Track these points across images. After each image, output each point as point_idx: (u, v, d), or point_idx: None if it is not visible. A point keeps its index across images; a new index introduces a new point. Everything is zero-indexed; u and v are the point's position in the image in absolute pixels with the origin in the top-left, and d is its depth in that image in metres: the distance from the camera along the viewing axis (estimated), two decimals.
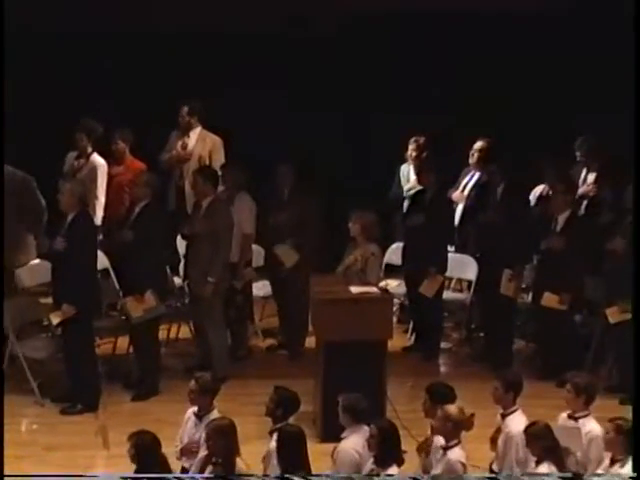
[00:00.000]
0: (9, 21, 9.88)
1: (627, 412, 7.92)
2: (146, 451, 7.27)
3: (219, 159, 10.91)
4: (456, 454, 7.50)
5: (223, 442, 7.37)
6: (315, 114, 11.57)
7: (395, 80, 11.57)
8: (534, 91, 11.50)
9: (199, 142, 10.98)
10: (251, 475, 7.29)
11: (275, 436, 7.54)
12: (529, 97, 11.48)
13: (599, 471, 7.53)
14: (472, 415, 7.62)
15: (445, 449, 7.55)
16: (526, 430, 7.51)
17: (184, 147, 10.97)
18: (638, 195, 9.27)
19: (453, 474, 7.45)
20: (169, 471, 7.40)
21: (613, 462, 7.43)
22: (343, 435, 7.76)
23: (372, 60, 11.53)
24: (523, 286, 10.63)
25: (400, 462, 7.42)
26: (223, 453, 7.36)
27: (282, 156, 10.47)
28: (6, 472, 8.11)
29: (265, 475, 7.35)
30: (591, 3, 10.19)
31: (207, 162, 10.79)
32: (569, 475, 7.35)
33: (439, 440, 7.65)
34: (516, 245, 10.16)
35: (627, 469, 7.39)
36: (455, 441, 7.54)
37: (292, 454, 7.35)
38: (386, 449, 7.39)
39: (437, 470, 7.53)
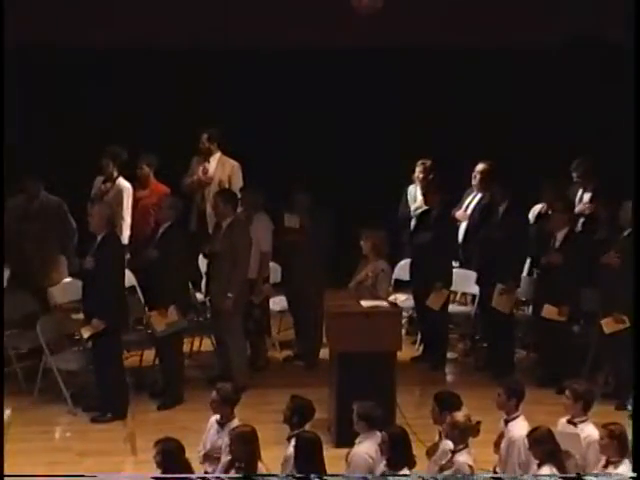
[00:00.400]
0: (37, 52, 9.87)
1: (622, 418, 7.97)
2: (171, 457, 7.24)
3: (238, 182, 10.93)
4: (464, 457, 7.50)
5: (246, 448, 7.37)
6: (330, 139, 11.58)
7: (405, 107, 11.60)
8: (533, 118, 11.51)
9: (219, 167, 11.00)
10: (272, 475, 7.31)
11: (293, 442, 7.54)
12: (528, 123, 11.49)
13: (594, 473, 7.55)
14: (478, 422, 7.62)
15: (453, 452, 7.55)
16: (529, 435, 7.50)
17: (205, 172, 10.99)
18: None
19: (463, 476, 7.44)
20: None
21: (607, 464, 7.45)
22: (357, 441, 7.74)
23: (384, 89, 11.55)
24: (523, 299, 10.66)
25: (412, 465, 7.41)
26: (245, 458, 7.36)
27: (298, 180, 10.46)
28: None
29: (287, 475, 7.36)
30: (584, 37, 10.23)
31: (227, 185, 10.81)
32: (572, 475, 7.35)
33: (447, 444, 7.65)
34: (511, 261, 10.19)
35: (621, 470, 7.41)
36: (463, 445, 7.54)
37: (309, 459, 7.34)
38: (398, 453, 7.37)
39: (445, 473, 7.48)
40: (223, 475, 7.39)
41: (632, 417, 7.63)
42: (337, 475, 7.33)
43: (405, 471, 7.35)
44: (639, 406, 7.61)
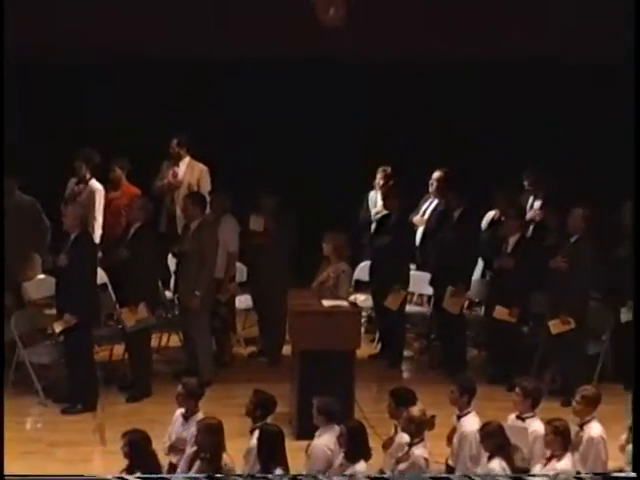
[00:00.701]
0: (10, 52, 9.80)
1: (567, 414, 8.02)
2: (138, 448, 7.26)
3: (206, 186, 10.91)
4: (420, 451, 7.54)
5: (211, 439, 7.38)
6: (296, 146, 11.58)
7: (367, 117, 11.64)
8: (487, 129, 11.59)
9: (188, 171, 10.97)
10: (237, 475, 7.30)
11: (256, 434, 7.54)
12: (483, 134, 11.56)
13: (538, 465, 7.63)
14: (433, 417, 7.68)
15: (410, 446, 7.58)
16: (481, 429, 7.55)
17: (175, 175, 10.96)
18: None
19: (418, 469, 7.48)
20: (158, 466, 7.37)
21: (551, 458, 7.54)
22: (317, 434, 7.77)
23: (348, 99, 11.58)
24: (476, 300, 10.73)
25: (367, 457, 7.45)
26: (211, 449, 7.36)
27: (265, 184, 10.48)
28: (12, 467, 8.14)
29: (249, 476, 7.35)
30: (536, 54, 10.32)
31: (195, 189, 10.78)
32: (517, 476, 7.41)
33: (403, 438, 7.69)
34: (463, 264, 10.25)
35: (563, 463, 7.50)
36: (419, 439, 7.59)
37: (272, 450, 7.35)
38: (355, 446, 7.41)
39: (403, 465, 7.54)
40: (199, 475, 7.37)
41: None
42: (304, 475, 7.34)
43: (362, 464, 7.38)
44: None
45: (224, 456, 7.42)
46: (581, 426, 7.84)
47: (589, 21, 10.14)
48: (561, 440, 7.49)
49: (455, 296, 10.21)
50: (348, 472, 7.39)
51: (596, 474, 7.51)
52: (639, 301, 9.06)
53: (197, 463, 7.44)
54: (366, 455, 7.45)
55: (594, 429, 7.81)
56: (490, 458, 7.48)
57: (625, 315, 9.85)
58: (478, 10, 10.23)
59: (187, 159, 11.00)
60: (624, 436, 7.91)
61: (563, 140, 11.57)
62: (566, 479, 7.31)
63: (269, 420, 7.75)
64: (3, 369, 9.11)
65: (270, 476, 7.22)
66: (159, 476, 7.27)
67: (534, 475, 7.45)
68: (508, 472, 7.42)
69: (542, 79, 11.18)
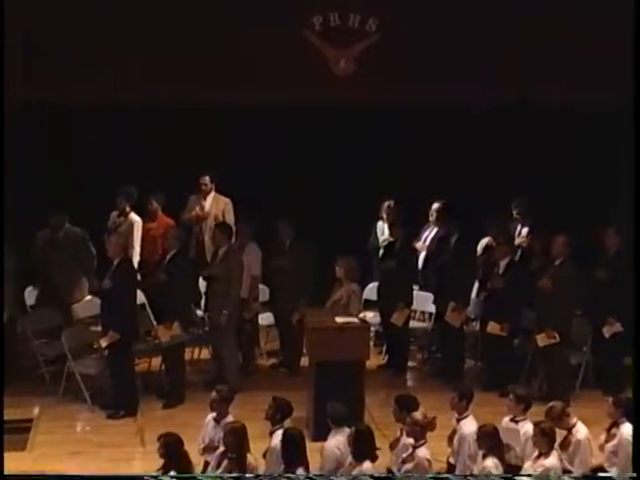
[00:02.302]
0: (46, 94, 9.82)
1: None
2: (172, 448, 7.28)
3: (230, 217, 10.90)
4: (423, 452, 7.53)
5: (236, 440, 7.40)
6: (311, 182, 11.57)
7: (377, 157, 11.66)
8: (480, 167, 11.59)
9: (214, 204, 10.97)
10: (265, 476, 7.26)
11: (278, 436, 7.53)
12: (476, 171, 11.56)
13: (529, 462, 7.61)
14: (434, 418, 7.66)
15: (414, 448, 7.56)
16: (478, 430, 7.55)
17: (202, 208, 10.98)
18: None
19: (422, 469, 7.46)
20: (190, 464, 7.36)
21: (540, 455, 7.53)
22: (329, 436, 7.75)
23: (359, 143, 11.58)
24: (472, 317, 10.70)
25: (374, 458, 7.41)
26: (237, 449, 7.39)
27: (284, 215, 10.48)
28: (63, 466, 8.17)
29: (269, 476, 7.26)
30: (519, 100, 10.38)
31: (220, 219, 10.78)
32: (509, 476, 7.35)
33: (407, 440, 7.67)
34: (462, 283, 10.23)
35: (549, 461, 7.48)
36: (422, 441, 7.56)
37: (295, 451, 7.34)
38: (362, 447, 7.38)
39: (408, 465, 7.52)
40: (224, 475, 7.34)
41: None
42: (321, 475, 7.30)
43: (368, 463, 7.33)
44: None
45: (248, 456, 7.42)
46: (569, 430, 7.81)
47: (566, 69, 10.17)
48: (547, 440, 7.48)
49: (456, 311, 10.18)
50: (355, 471, 7.35)
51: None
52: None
53: (225, 462, 7.45)
54: (372, 456, 7.41)
55: (581, 432, 7.80)
56: (485, 456, 7.47)
57: (606, 330, 9.81)
58: (473, 60, 10.26)
59: (212, 193, 11.01)
60: (603, 436, 7.89)
61: (547, 175, 11.56)
62: (574, 477, 7.27)
63: (286, 423, 7.73)
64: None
65: (291, 476, 7.18)
66: (187, 475, 7.22)
67: (529, 475, 7.38)
68: (500, 469, 7.39)
69: (526, 122, 11.20)
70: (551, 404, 7.87)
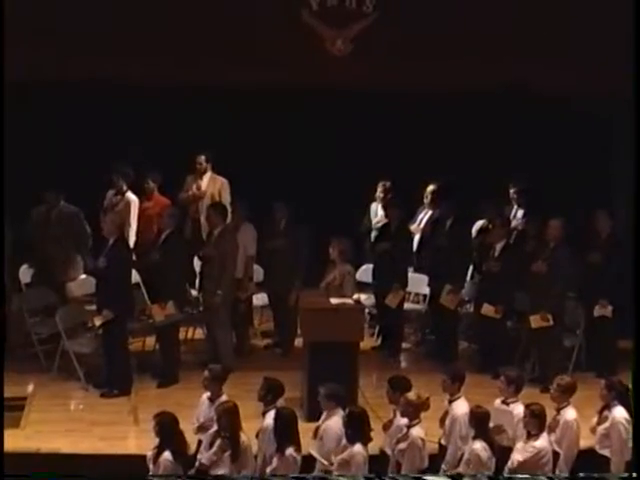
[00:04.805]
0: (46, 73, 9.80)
1: (544, 399, 8.02)
2: (167, 428, 7.32)
3: (226, 197, 10.89)
4: (417, 431, 7.57)
5: (229, 419, 7.42)
6: (307, 163, 11.52)
7: (372, 139, 11.64)
8: (476, 149, 11.59)
9: (210, 183, 10.95)
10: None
11: (270, 415, 7.56)
12: (472, 153, 11.56)
13: (520, 443, 7.65)
14: (428, 398, 7.68)
15: (408, 427, 7.59)
16: (471, 411, 7.59)
17: (198, 188, 10.97)
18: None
19: (416, 448, 7.51)
20: (185, 443, 7.41)
21: (530, 437, 7.58)
22: (323, 416, 7.76)
23: (355, 123, 11.58)
24: (466, 299, 10.73)
25: (366, 441, 7.42)
26: (230, 428, 7.42)
27: (279, 196, 10.49)
28: (57, 443, 8.19)
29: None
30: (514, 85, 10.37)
31: (217, 199, 10.79)
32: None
33: (401, 420, 7.69)
34: (457, 266, 10.25)
35: (539, 442, 7.53)
36: (416, 421, 7.60)
37: (287, 431, 7.37)
38: (356, 429, 7.41)
39: (402, 445, 7.56)
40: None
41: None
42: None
43: (359, 445, 7.33)
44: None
45: (241, 434, 7.45)
46: (558, 410, 7.86)
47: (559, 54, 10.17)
48: (538, 422, 7.54)
49: (451, 293, 10.20)
50: (346, 453, 7.37)
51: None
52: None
53: (218, 441, 7.48)
54: (365, 439, 7.43)
55: (569, 413, 7.84)
56: (474, 438, 7.51)
57: (597, 311, 9.85)
58: (470, 41, 10.24)
59: (209, 173, 11.00)
60: (595, 419, 7.95)
61: (542, 159, 11.57)
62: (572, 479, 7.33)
63: (278, 403, 7.74)
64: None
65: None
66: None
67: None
68: (488, 452, 7.44)
69: (522, 106, 11.19)
70: (560, 377, 7.90)
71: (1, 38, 9.26)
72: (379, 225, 10.94)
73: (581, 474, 7.46)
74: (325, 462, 7.54)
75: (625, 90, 9.65)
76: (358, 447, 7.38)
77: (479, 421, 7.50)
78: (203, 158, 10.96)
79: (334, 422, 7.66)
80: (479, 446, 7.45)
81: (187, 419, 7.82)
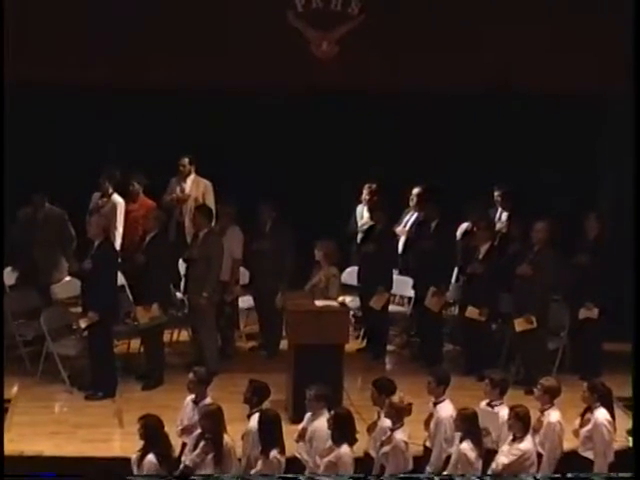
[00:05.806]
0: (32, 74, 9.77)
1: (529, 401, 8.05)
2: (152, 430, 7.31)
3: (210, 199, 10.88)
4: (400, 435, 7.58)
5: (213, 422, 7.41)
6: (291, 165, 11.52)
7: (358, 141, 11.65)
8: (461, 152, 11.62)
9: (194, 186, 10.94)
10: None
11: (254, 418, 7.55)
12: (457, 156, 11.58)
13: (505, 445, 7.68)
14: (410, 404, 7.71)
15: (392, 430, 7.61)
16: (458, 413, 7.60)
17: (182, 190, 10.96)
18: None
19: (400, 451, 7.52)
20: (170, 446, 7.40)
21: (514, 439, 7.61)
22: (309, 418, 7.76)
23: (340, 126, 11.60)
24: (451, 301, 10.74)
25: (352, 442, 7.44)
26: (213, 431, 7.41)
27: (264, 198, 10.48)
28: (41, 445, 8.16)
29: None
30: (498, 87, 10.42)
31: (201, 202, 10.75)
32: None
33: (385, 422, 7.71)
34: (442, 268, 10.27)
35: (523, 445, 7.55)
36: (399, 424, 7.61)
37: (271, 433, 7.38)
38: (342, 431, 7.42)
39: (386, 448, 7.57)
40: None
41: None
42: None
43: (345, 447, 7.35)
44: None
45: (225, 437, 7.45)
46: (542, 412, 7.89)
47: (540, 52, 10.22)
48: (522, 424, 7.56)
49: (436, 296, 10.22)
50: (333, 455, 7.38)
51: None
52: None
53: (202, 443, 7.48)
54: (351, 440, 7.45)
55: (553, 415, 7.87)
56: (462, 440, 7.52)
57: (582, 313, 9.89)
58: (455, 44, 10.27)
59: (193, 175, 10.98)
60: (577, 421, 7.98)
61: (527, 161, 11.60)
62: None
63: (264, 405, 7.74)
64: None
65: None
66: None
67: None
68: (475, 453, 7.46)
69: (507, 108, 11.23)
70: (545, 379, 7.94)
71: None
72: (364, 227, 10.95)
73: (569, 474, 7.48)
74: (312, 464, 7.53)
75: (614, 90, 9.68)
76: (345, 448, 7.40)
77: (468, 421, 7.51)
78: (187, 160, 10.95)
79: (322, 423, 7.67)
80: (466, 446, 7.46)
81: (172, 422, 7.82)
